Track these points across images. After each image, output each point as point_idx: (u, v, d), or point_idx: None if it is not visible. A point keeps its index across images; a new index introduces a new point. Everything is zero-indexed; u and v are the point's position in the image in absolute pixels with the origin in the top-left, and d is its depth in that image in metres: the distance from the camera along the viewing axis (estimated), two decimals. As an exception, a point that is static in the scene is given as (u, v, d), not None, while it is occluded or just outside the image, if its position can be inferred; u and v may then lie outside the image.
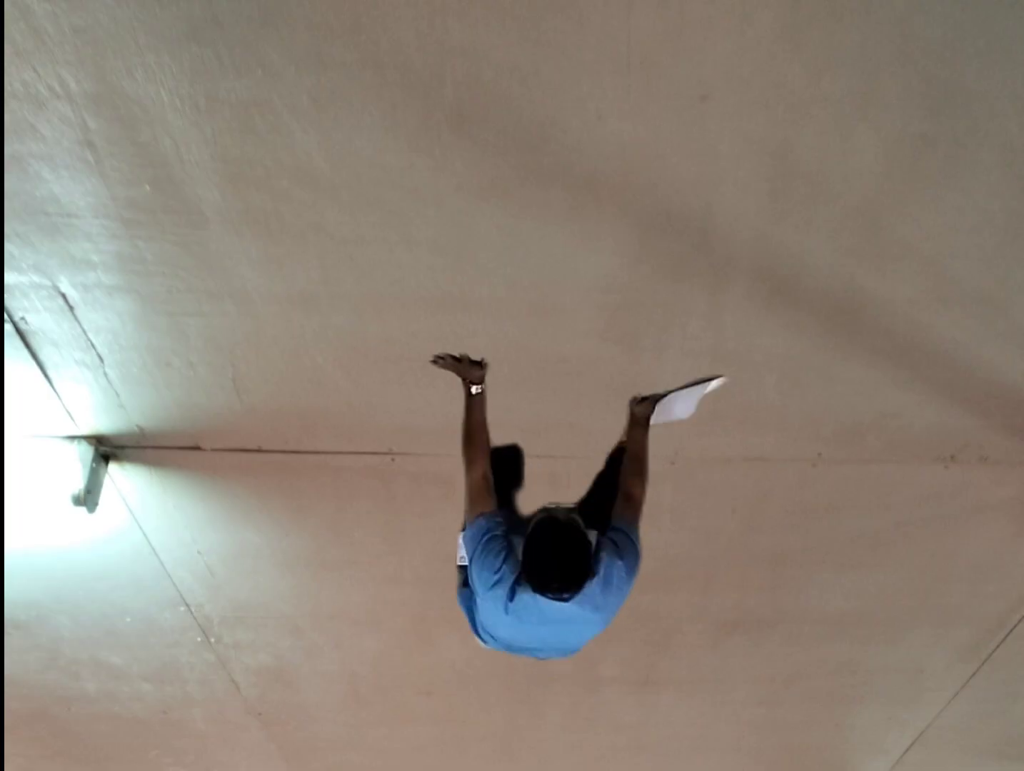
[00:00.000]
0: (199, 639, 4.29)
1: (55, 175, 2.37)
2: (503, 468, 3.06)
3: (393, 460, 3.34)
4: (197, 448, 3.28)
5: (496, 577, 2.51)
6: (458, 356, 2.83)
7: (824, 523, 3.65)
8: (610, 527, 2.62)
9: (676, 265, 2.66)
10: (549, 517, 2.47)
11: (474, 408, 2.74)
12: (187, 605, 4.07)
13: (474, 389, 2.74)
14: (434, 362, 2.86)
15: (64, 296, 2.71)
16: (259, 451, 3.31)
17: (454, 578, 2.91)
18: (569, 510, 2.68)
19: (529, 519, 2.58)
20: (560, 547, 2.39)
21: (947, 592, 4.03)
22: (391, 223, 2.53)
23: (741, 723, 5.13)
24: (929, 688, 4.75)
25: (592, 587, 2.48)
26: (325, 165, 2.38)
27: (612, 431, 3.13)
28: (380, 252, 2.60)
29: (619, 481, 2.76)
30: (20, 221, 2.48)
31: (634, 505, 2.70)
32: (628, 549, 2.58)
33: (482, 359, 2.84)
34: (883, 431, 3.24)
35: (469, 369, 2.79)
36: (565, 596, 2.41)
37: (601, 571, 2.51)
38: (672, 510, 3.58)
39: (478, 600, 2.64)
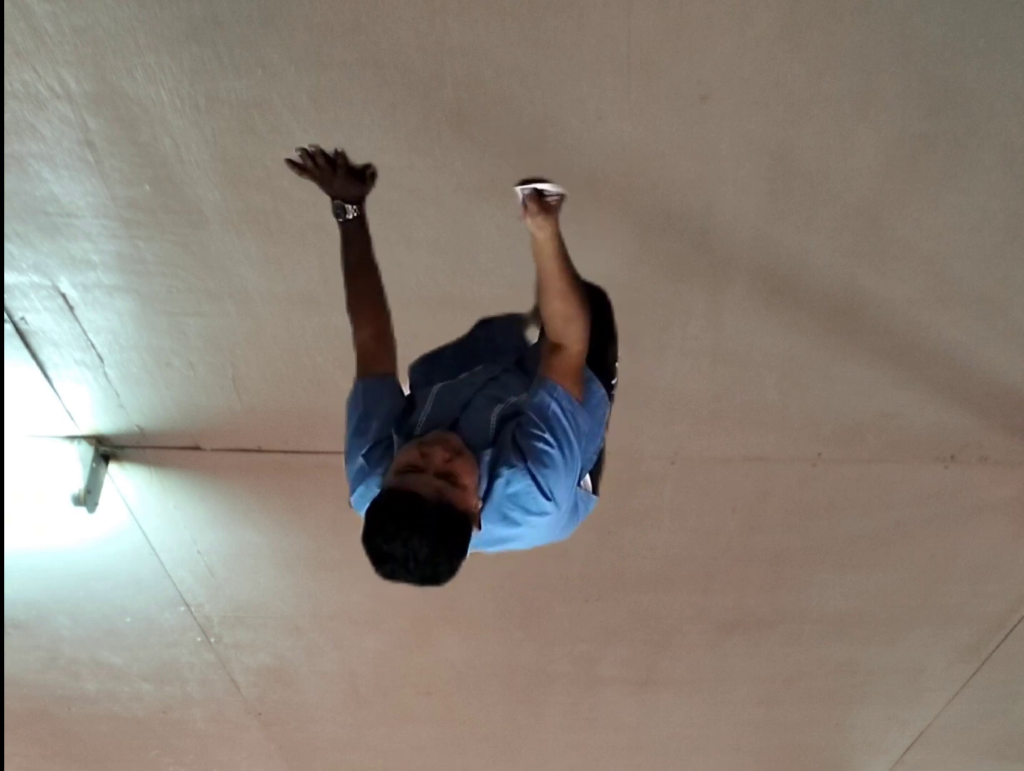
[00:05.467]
0: (199, 639, 4.29)
1: (55, 175, 2.37)
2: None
3: (393, 460, 3.34)
4: (197, 448, 3.28)
5: (353, 479, 1.76)
6: (332, 153, 1.88)
7: (824, 523, 3.65)
8: (518, 420, 1.71)
9: (676, 265, 2.66)
10: (392, 492, 1.56)
11: (351, 241, 1.90)
12: (187, 605, 4.06)
13: (348, 212, 1.87)
14: (290, 164, 1.91)
15: (64, 296, 2.71)
16: (259, 451, 3.31)
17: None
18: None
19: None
20: (400, 541, 1.51)
21: (947, 592, 4.03)
22: (391, 223, 2.52)
23: (741, 723, 5.13)
24: (929, 688, 4.74)
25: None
26: (325, 165, 2.38)
27: (613, 431, 3.12)
28: (380, 252, 2.58)
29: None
30: (20, 221, 2.48)
31: (560, 359, 1.73)
32: (537, 456, 1.64)
33: (369, 167, 1.92)
34: (883, 431, 3.24)
35: (340, 184, 1.86)
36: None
37: (492, 499, 1.65)
38: (672, 510, 3.57)
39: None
